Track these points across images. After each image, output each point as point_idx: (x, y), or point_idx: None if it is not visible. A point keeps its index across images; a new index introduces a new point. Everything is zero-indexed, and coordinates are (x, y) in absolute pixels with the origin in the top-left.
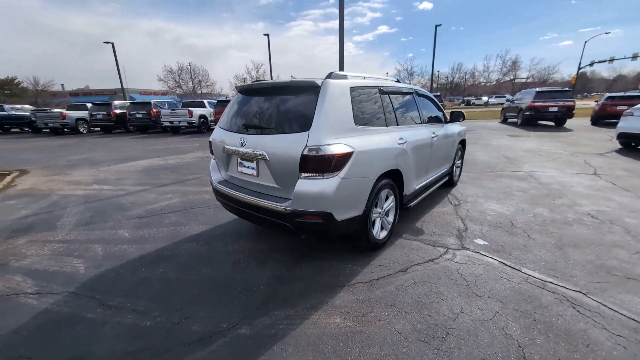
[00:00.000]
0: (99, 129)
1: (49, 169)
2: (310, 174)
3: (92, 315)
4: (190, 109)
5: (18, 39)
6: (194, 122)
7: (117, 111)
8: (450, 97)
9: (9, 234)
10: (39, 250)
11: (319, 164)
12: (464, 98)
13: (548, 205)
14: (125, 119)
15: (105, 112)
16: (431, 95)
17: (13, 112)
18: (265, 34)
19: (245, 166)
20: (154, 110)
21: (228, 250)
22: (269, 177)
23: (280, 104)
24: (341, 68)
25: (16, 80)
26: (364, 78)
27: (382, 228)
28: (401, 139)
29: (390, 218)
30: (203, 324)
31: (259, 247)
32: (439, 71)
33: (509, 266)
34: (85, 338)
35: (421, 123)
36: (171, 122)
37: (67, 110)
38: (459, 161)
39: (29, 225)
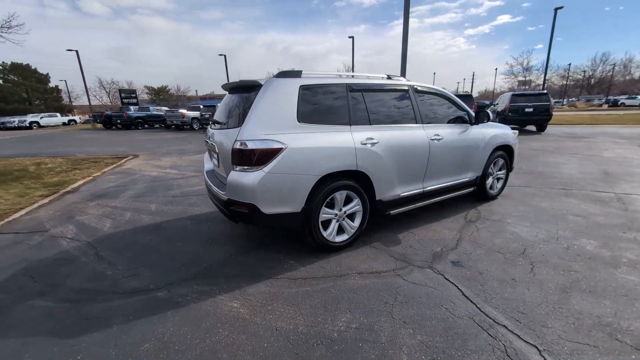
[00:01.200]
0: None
1: (150, 155)
2: (240, 166)
3: (85, 259)
4: None
5: (176, 56)
6: None
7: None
8: (586, 97)
9: (90, 198)
10: (96, 211)
11: (244, 157)
12: (609, 97)
13: (605, 238)
14: None
15: (211, 113)
16: (447, 93)
17: (155, 112)
18: (350, 37)
19: (214, 157)
20: None
21: (208, 230)
22: (222, 168)
23: (235, 101)
24: (403, 71)
25: (167, 88)
26: (340, 76)
27: (342, 231)
28: (370, 139)
29: (356, 223)
30: (139, 282)
31: (233, 232)
32: (569, 64)
33: (466, 296)
34: (69, 273)
35: (417, 123)
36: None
37: (186, 110)
38: (502, 172)
39: (105, 193)
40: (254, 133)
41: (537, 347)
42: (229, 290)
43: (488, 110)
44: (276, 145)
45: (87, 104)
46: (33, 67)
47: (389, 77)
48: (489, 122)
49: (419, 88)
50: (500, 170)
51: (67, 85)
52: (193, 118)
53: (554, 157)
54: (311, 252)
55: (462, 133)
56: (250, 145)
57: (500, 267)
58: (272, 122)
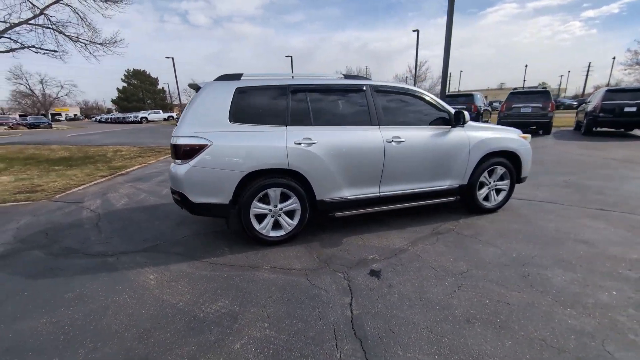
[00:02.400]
0: None
1: None
2: (176, 159)
3: (87, 226)
4: None
5: (260, 58)
6: None
7: None
8: None
9: (130, 180)
10: (124, 190)
11: (176, 151)
12: None
13: (591, 273)
14: None
15: None
16: (421, 92)
17: None
18: (414, 30)
19: None
20: None
21: (186, 214)
22: None
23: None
24: (445, 76)
25: None
26: (284, 77)
27: (279, 226)
28: (307, 139)
29: (294, 220)
30: (104, 248)
31: (206, 218)
32: None
33: (351, 305)
34: (69, 235)
35: (373, 124)
36: None
37: None
38: (504, 182)
39: (143, 177)
40: (186, 130)
41: None
42: (157, 265)
43: (464, 111)
44: (201, 142)
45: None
46: (147, 73)
47: (345, 77)
48: (488, 125)
49: (380, 88)
50: (501, 180)
51: (169, 87)
52: None
53: (628, 170)
54: (249, 244)
55: (437, 136)
56: (180, 141)
57: (418, 284)
58: (204, 121)
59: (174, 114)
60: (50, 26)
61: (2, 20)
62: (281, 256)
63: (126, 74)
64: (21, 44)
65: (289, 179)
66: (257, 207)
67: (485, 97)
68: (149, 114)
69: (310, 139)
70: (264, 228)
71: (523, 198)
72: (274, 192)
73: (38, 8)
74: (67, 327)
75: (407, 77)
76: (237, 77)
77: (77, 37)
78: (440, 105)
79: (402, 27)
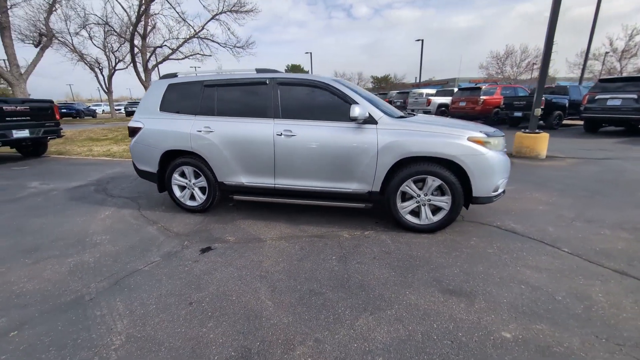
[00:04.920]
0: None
1: None
2: (129, 136)
3: (99, 196)
4: (429, 97)
5: (415, 44)
6: (430, 111)
7: (388, 99)
8: None
9: None
10: None
11: (129, 130)
12: None
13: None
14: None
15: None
16: (330, 84)
17: None
18: None
19: None
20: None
21: None
22: None
23: None
24: (545, 64)
25: (389, 77)
26: (215, 74)
27: (194, 198)
28: (207, 127)
29: (204, 195)
30: (120, 193)
31: None
32: None
33: (146, 218)
34: (118, 184)
35: (269, 117)
36: (412, 110)
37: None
38: (443, 198)
39: None
40: (135, 116)
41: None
42: (129, 208)
43: (373, 106)
44: (138, 125)
45: None
46: (302, 67)
47: (257, 71)
48: (426, 121)
49: (284, 81)
50: (443, 195)
51: None
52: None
53: None
54: (174, 207)
55: (336, 132)
56: (129, 124)
57: (210, 267)
58: (144, 110)
59: None
60: (207, 37)
61: (175, 38)
62: (178, 220)
63: (286, 69)
64: (181, 52)
65: (197, 160)
66: (176, 180)
67: None
68: None
69: (209, 127)
70: (183, 197)
71: (508, 229)
72: (187, 169)
73: (192, 27)
74: (89, 229)
75: (607, 52)
76: (173, 75)
77: (225, 44)
78: (351, 98)
79: None
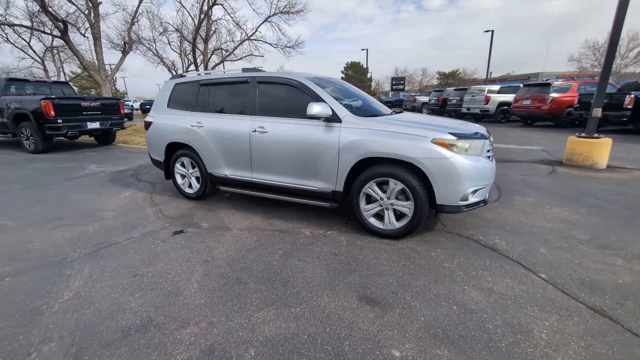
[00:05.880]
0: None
1: None
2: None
3: (130, 180)
4: (488, 95)
5: (496, 35)
6: (488, 110)
7: (444, 96)
8: None
9: None
10: None
11: (145, 125)
12: None
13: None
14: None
15: (436, 98)
16: (304, 82)
17: (402, 97)
18: None
19: None
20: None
21: None
22: None
23: None
24: (611, 56)
25: (457, 72)
26: (209, 75)
27: (191, 187)
28: (198, 122)
29: (198, 184)
30: (146, 178)
31: None
32: None
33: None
34: (147, 173)
35: (247, 113)
36: (468, 109)
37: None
38: (406, 203)
39: None
40: (150, 113)
41: None
42: (145, 191)
43: (339, 103)
44: (151, 120)
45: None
46: (361, 64)
47: (243, 70)
48: (394, 120)
49: (264, 79)
50: (406, 200)
51: (371, 76)
52: (423, 103)
53: None
54: (176, 194)
55: (304, 129)
56: (145, 119)
57: (167, 248)
58: (157, 107)
59: None
60: (258, 39)
61: (230, 40)
62: (175, 205)
63: (345, 66)
64: (234, 55)
65: (192, 152)
66: (178, 169)
67: None
68: None
69: (200, 122)
70: (183, 185)
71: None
72: (185, 160)
73: (244, 31)
74: (116, 207)
75: None
76: (182, 76)
77: (276, 44)
78: (320, 97)
79: None
